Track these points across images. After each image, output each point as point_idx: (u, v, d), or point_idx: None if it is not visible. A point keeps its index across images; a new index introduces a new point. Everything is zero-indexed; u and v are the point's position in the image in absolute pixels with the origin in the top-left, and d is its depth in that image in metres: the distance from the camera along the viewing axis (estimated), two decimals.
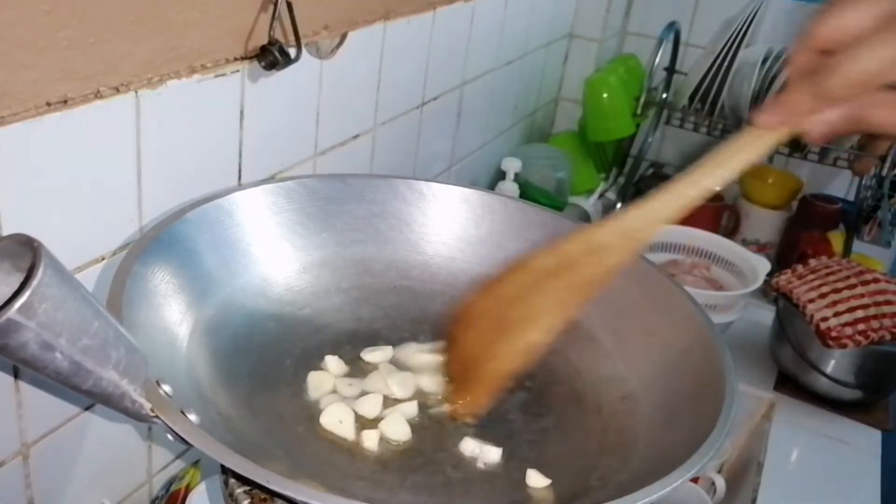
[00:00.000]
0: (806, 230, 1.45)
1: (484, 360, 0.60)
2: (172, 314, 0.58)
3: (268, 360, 0.63)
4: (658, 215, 0.55)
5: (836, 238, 1.45)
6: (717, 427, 0.51)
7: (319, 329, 0.67)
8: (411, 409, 0.60)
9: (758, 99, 1.42)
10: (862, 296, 1.09)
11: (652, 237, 0.57)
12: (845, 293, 1.10)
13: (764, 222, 1.54)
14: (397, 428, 0.58)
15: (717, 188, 0.53)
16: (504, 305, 0.60)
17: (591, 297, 0.58)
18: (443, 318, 0.65)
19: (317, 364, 0.63)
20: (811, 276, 1.15)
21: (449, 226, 0.76)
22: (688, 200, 0.54)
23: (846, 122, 0.47)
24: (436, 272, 0.75)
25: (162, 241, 0.59)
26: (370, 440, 0.57)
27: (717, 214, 1.53)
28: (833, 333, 1.07)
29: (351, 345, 0.66)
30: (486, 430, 0.60)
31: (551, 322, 0.59)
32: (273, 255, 0.69)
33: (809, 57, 0.48)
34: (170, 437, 0.46)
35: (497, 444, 0.58)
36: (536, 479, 0.56)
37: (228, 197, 0.66)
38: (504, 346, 0.60)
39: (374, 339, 0.68)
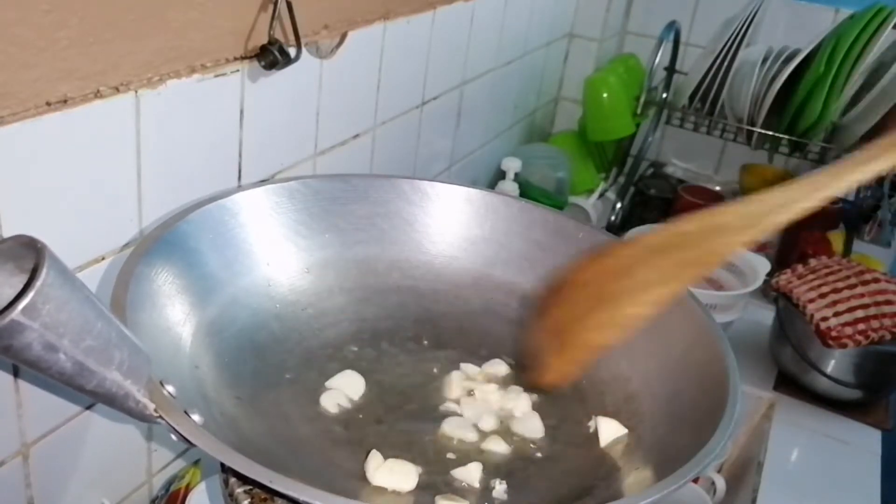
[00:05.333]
0: (806, 230, 1.45)
1: (579, 329, 0.58)
2: (176, 314, 0.58)
3: (271, 360, 0.63)
4: (783, 205, 0.52)
5: (837, 238, 1.45)
6: (720, 427, 0.51)
7: (322, 329, 0.67)
8: None
9: (758, 99, 1.42)
10: (862, 295, 1.09)
11: (774, 226, 0.53)
12: (845, 293, 1.10)
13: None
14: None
15: (848, 189, 0.51)
16: (607, 277, 0.58)
17: (700, 276, 0.55)
18: (444, 321, 0.64)
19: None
20: (811, 276, 1.15)
21: (452, 225, 0.76)
22: (817, 197, 0.51)
23: None
24: (439, 272, 0.75)
25: (165, 241, 0.59)
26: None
27: None
28: (833, 333, 1.07)
29: (353, 345, 0.66)
30: (487, 430, 0.60)
31: (654, 297, 0.56)
32: (276, 255, 0.69)
33: None
34: (173, 437, 0.46)
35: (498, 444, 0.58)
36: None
37: (231, 197, 0.66)
38: (602, 316, 0.57)
39: (377, 340, 0.67)
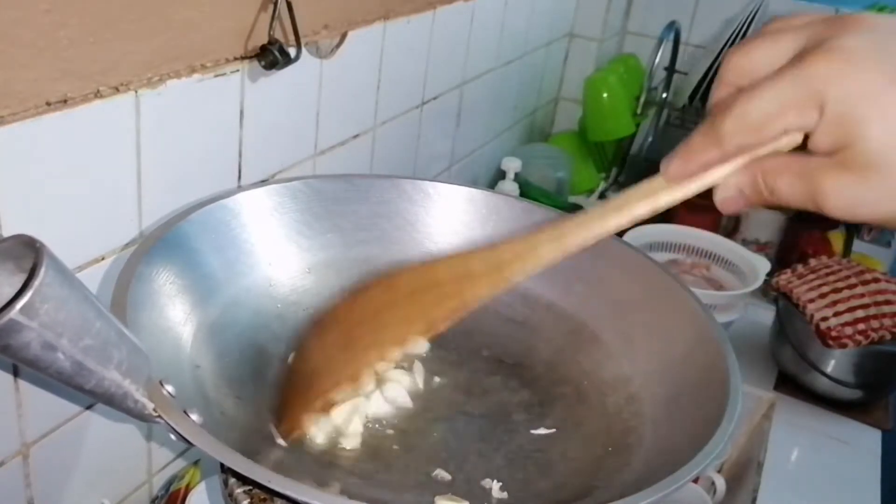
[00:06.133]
0: (806, 230, 1.45)
1: (320, 375, 0.57)
2: (177, 314, 0.58)
3: (272, 360, 0.63)
4: (535, 254, 0.49)
5: (836, 238, 1.45)
6: (720, 427, 0.51)
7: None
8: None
9: None
10: (862, 295, 1.09)
11: (519, 273, 0.51)
12: (845, 293, 1.10)
13: (764, 222, 1.54)
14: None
15: (603, 236, 0.46)
16: (356, 321, 0.57)
17: (440, 326, 0.55)
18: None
19: None
20: (811, 276, 1.15)
21: (454, 226, 0.76)
22: (570, 245, 0.48)
23: (756, 191, 0.39)
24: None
25: (166, 241, 0.59)
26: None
27: (717, 214, 1.53)
28: (833, 333, 1.07)
29: None
30: (490, 430, 0.60)
31: (396, 343, 0.56)
32: (278, 255, 0.69)
33: (722, 97, 0.40)
34: (172, 436, 0.46)
35: (500, 444, 0.58)
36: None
37: (233, 197, 0.66)
38: (342, 365, 0.56)
39: None
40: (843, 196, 0.36)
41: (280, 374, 0.62)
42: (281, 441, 0.54)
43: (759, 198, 0.40)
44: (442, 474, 0.55)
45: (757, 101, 0.37)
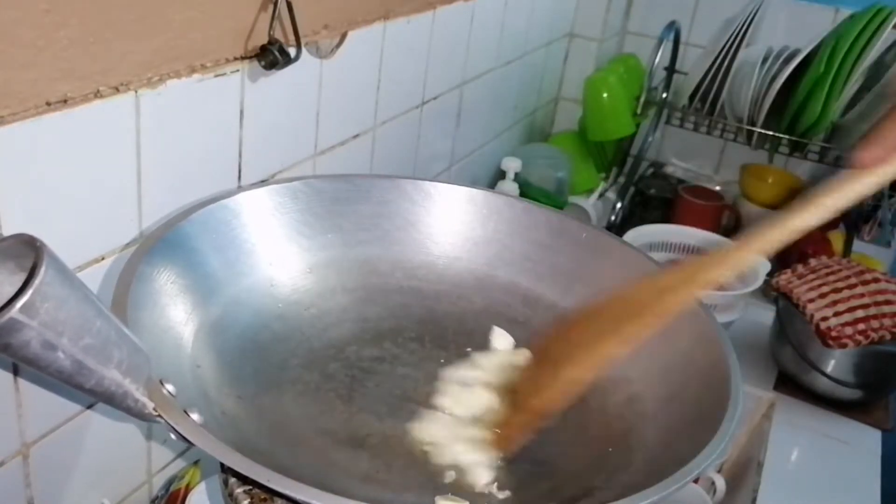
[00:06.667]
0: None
1: (531, 396, 0.59)
2: (178, 314, 0.58)
3: (273, 360, 0.63)
4: (715, 264, 0.55)
5: (836, 238, 1.45)
6: (721, 428, 0.51)
7: (325, 329, 0.67)
8: None
9: (758, 99, 1.42)
10: (862, 295, 1.09)
11: (710, 282, 0.55)
12: (845, 293, 1.10)
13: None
14: None
15: (804, 231, 0.50)
16: (569, 347, 0.59)
17: (645, 337, 0.57)
18: (447, 321, 0.64)
19: None
20: (811, 276, 1.15)
21: (455, 226, 0.76)
22: (766, 245, 0.53)
23: None
24: (442, 272, 0.75)
25: (168, 241, 0.59)
26: None
27: (717, 214, 1.53)
28: (833, 333, 1.07)
29: (356, 345, 0.66)
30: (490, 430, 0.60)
31: (597, 360, 0.57)
32: (279, 255, 0.69)
33: None
34: (172, 436, 0.46)
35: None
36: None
37: (234, 198, 0.66)
38: (551, 384, 0.58)
39: (380, 340, 0.67)
40: None
41: (280, 376, 0.62)
42: None
43: None
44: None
45: None
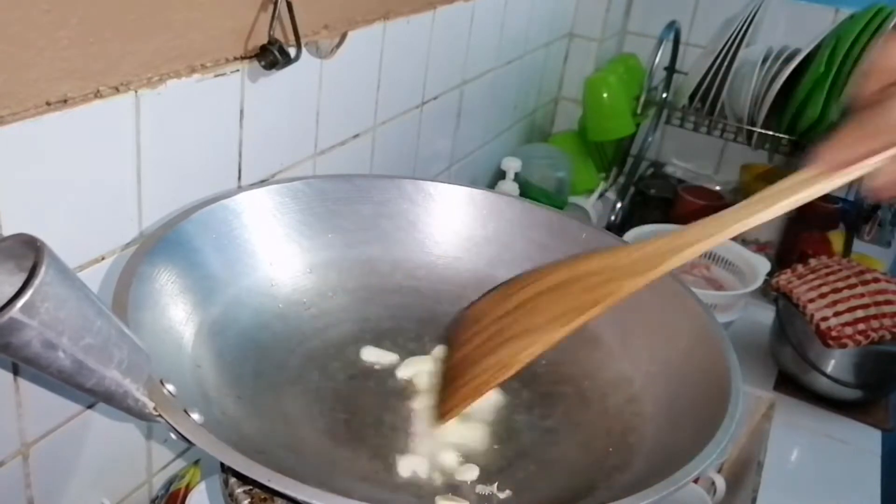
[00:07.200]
0: (806, 230, 1.45)
1: (473, 368, 0.59)
2: (178, 314, 0.58)
3: (273, 359, 0.63)
4: (681, 247, 0.53)
5: (836, 238, 1.45)
6: (721, 427, 0.51)
7: (325, 329, 0.67)
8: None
9: (758, 99, 1.42)
10: (862, 295, 1.09)
11: (666, 270, 0.54)
12: (845, 293, 1.10)
13: (764, 222, 1.54)
14: None
15: (752, 225, 0.50)
16: (506, 316, 0.59)
17: (594, 318, 0.56)
18: (447, 321, 0.64)
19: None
20: (811, 276, 1.15)
21: (455, 226, 0.76)
22: (719, 237, 0.52)
23: None
24: (442, 272, 0.75)
25: (168, 241, 0.59)
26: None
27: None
28: (833, 333, 1.07)
29: (356, 345, 0.66)
30: (491, 430, 0.60)
31: (547, 337, 0.57)
32: (279, 255, 0.69)
33: (872, 91, 0.43)
34: (172, 435, 0.46)
35: (501, 444, 0.58)
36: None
37: (234, 197, 0.66)
38: (494, 357, 0.58)
39: (380, 340, 0.68)
40: None
41: (281, 375, 0.62)
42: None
43: None
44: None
45: None
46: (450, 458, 0.57)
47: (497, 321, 0.60)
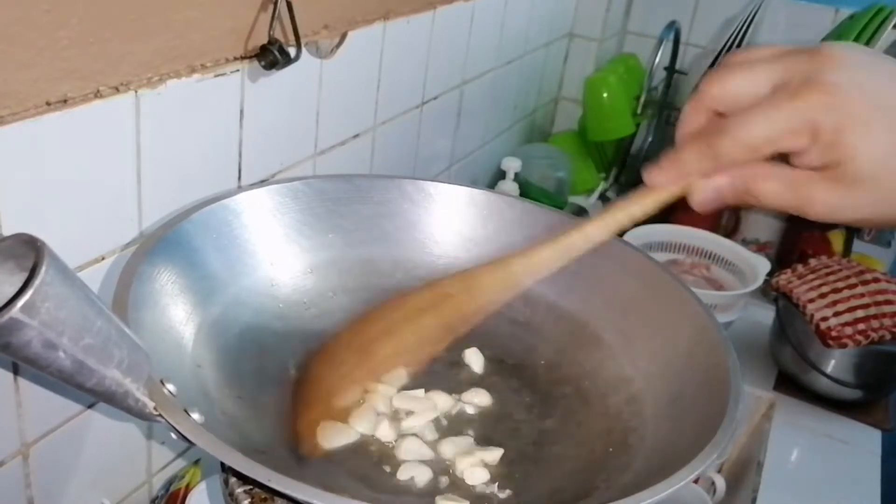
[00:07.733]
0: (806, 230, 1.45)
1: (335, 388, 0.59)
2: (178, 314, 0.58)
3: (274, 359, 0.63)
4: (539, 263, 0.57)
5: (836, 238, 1.45)
6: (721, 428, 0.50)
7: (325, 329, 0.67)
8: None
9: None
10: (862, 295, 1.09)
11: (529, 283, 0.58)
12: (845, 293, 1.10)
13: (764, 222, 1.54)
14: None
15: (602, 239, 0.54)
16: (371, 340, 0.61)
17: (459, 335, 0.59)
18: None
19: None
20: (811, 276, 1.15)
21: (456, 226, 0.76)
22: (572, 251, 0.55)
23: (734, 192, 0.46)
24: (442, 272, 0.74)
25: (168, 241, 0.59)
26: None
27: (717, 214, 1.53)
28: (833, 333, 1.07)
29: None
30: (491, 430, 0.60)
31: (414, 359, 0.60)
32: (279, 255, 0.69)
33: (703, 117, 0.47)
34: (173, 435, 0.46)
35: (501, 445, 0.58)
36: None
37: (235, 197, 0.66)
38: (358, 378, 0.60)
39: None
40: (828, 203, 0.43)
41: (281, 375, 0.62)
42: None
43: (736, 199, 0.46)
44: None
45: (756, 125, 0.43)
46: (453, 460, 0.57)
47: (361, 347, 0.61)
